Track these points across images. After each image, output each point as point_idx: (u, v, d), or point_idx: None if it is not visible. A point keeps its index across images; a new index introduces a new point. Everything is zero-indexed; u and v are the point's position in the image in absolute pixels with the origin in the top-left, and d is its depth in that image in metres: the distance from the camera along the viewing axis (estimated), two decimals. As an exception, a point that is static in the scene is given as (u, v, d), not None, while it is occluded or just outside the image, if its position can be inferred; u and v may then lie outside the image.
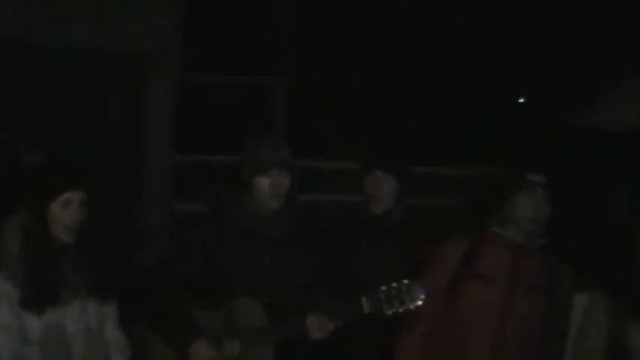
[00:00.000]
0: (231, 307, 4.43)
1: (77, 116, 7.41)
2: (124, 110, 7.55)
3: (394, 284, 4.20)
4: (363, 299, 4.22)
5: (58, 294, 4.06)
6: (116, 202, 7.06)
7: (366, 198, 5.10)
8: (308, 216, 4.73)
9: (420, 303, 4.19)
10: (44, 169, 4.22)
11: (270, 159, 4.45)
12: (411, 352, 4.44)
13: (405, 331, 4.42)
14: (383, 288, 4.20)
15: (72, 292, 4.10)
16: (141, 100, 7.56)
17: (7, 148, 7.19)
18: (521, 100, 8.65)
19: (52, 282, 4.04)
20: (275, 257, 4.49)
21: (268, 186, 4.45)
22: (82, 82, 7.47)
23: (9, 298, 4.01)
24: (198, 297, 4.48)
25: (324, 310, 4.27)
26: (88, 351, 4.12)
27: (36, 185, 4.09)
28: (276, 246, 4.50)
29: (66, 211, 4.05)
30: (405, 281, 4.20)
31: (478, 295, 4.34)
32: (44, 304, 4.03)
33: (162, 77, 7.62)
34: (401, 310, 4.19)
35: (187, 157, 8.04)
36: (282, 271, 4.47)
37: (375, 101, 8.18)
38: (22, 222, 4.09)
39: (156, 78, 7.60)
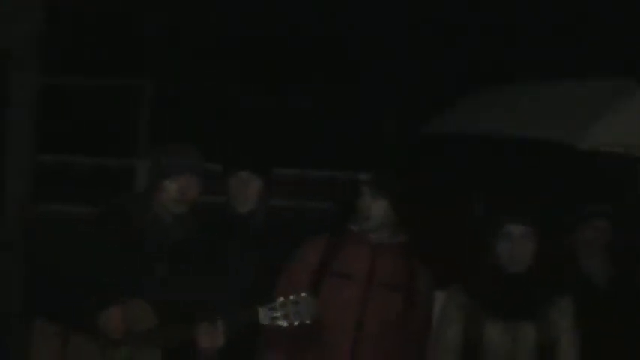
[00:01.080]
0: (122, 310, 4.33)
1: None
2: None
3: (291, 297, 4.18)
4: (260, 309, 4.19)
5: None
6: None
7: (230, 198, 5.12)
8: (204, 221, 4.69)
9: (314, 317, 4.18)
10: None
11: (181, 164, 4.44)
12: (276, 347, 4.51)
13: (269, 332, 4.46)
14: (281, 299, 4.18)
15: None
16: (3, 105, 7.44)
17: None
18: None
19: None
20: (172, 262, 4.45)
21: (176, 191, 4.44)
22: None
23: None
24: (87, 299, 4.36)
25: (217, 318, 4.20)
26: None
27: None
28: (173, 253, 4.46)
29: None
30: (303, 294, 4.19)
31: (337, 293, 4.42)
32: None
33: (23, 78, 7.50)
34: (296, 323, 4.17)
35: (51, 157, 7.95)
36: (178, 276, 4.43)
37: (242, 104, 8.23)
38: None
39: (17, 79, 7.48)
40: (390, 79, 8.62)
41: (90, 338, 4.32)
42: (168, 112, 8.33)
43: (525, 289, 4.39)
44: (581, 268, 5.30)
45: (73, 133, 8.15)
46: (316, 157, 8.35)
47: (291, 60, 8.46)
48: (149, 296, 4.32)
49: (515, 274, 4.38)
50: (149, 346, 4.29)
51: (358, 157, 7.44)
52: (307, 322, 4.18)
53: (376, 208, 4.47)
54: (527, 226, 4.40)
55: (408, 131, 7.94)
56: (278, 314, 4.18)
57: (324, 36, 8.64)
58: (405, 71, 8.61)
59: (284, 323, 4.17)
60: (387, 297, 4.43)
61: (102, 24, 8.31)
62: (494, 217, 4.50)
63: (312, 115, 8.42)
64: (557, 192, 6.28)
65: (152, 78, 8.41)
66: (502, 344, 4.35)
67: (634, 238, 5.77)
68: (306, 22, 8.44)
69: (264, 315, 4.19)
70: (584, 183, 6.33)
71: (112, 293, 4.30)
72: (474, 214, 6.15)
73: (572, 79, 7.48)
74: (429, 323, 4.56)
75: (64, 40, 7.90)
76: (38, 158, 7.72)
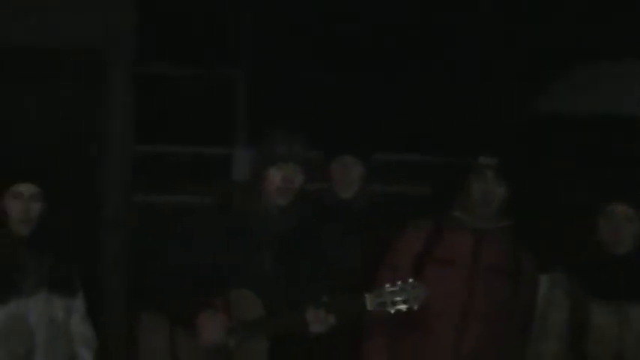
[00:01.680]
0: (226, 300, 4.30)
1: (36, 114, 7.38)
2: (83, 105, 7.51)
3: (399, 283, 4.10)
4: (367, 296, 4.12)
5: (18, 286, 4.06)
6: (77, 196, 7.04)
7: (332, 183, 5.11)
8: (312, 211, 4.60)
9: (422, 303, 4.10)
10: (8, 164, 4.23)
11: (284, 152, 4.34)
12: (378, 335, 4.48)
13: (371, 319, 4.40)
14: (388, 286, 4.10)
15: (34, 285, 4.10)
16: (99, 95, 7.52)
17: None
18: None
19: (10, 274, 4.05)
20: (278, 253, 4.39)
21: (280, 180, 4.34)
22: (39, 80, 7.43)
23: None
24: (193, 288, 4.33)
25: (325, 304, 4.15)
26: (51, 343, 4.13)
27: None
28: (281, 243, 4.40)
29: (18, 204, 4.07)
30: (410, 280, 4.11)
31: (440, 279, 4.35)
32: (5, 297, 4.04)
33: (119, 68, 7.58)
34: (404, 309, 4.09)
35: (147, 148, 8.02)
36: (284, 266, 4.38)
37: (335, 90, 8.19)
38: None
39: (113, 69, 7.56)
40: (488, 58, 8.49)
41: (196, 331, 4.28)
42: (264, 100, 8.34)
43: (632, 271, 4.29)
44: None
45: (169, 122, 8.19)
46: (415, 141, 8.30)
47: (387, 44, 8.39)
48: (256, 286, 4.28)
49: (620, 256, 4.30)
50: (256, 336, 4.25)
51: (459, 140, 7.37)
52: (415, 308, 4.10)
53: (499, 193, 4.40)
54: (632, 207, 4.31)
55: (514, 111, 7.87)
56: (385, 301, 4.11)
57: (415, 23, 8.56)
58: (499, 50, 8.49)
59: (391, 310, 4.10)
60: (491, 282, 4.37)
61: (196, 12, 8.34)
62: (598, 197, 4.41)
63: (410, 98, 8.35)
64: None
65: (248, 66, 8.43)
66: (609, 328, 4.27)
67: None
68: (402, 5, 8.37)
69: (371, 301, 4.12)
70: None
71: (218, 284, 4.28)
72: (578, 195, 6.06)
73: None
74: (533, 308, 4.48)
75: (159, 29, 7.95)
76: (135, 148, 7.80)
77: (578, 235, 4.47)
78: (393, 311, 4.10)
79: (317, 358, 4.47)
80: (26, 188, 4.09)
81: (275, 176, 4.32)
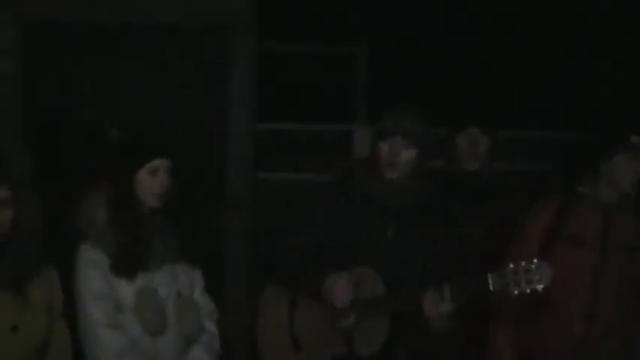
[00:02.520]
0: (349, 278, 4.28)
1: (159, 91, 7.46)
2: (206, 83, 7.57)
3: (523, 263, 4.01)
4: (490, 276, 4.05)
5: (148, 259, 4.09)
6: (199, 172, 7.12)
7: (456, 157, 5.05)
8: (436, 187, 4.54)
9: (547, 284, 4.00)
10: (132, 139, 4.26)
11: (391, 126, 4.34)
12: (505, 315, 4.41)
13: (497, 301, 4.35)
14: (511, 266, 4.01)
15: (161, 258, 4.13)
16: (222, 72, 7.57)
17: (93, 127, 7.27)
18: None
19: (141, 247, 4.08)
20: (400, 229, 4.37)
21: (386, 154, 4.34)
22: (163, 57, 7.50)
23: (100, 266, 4.06)
24: (316, 265, 4.38)
25: (445, 285, 4.10)
26: (182, 315, 4.15)
27: (125, 154, 4.14)
28: (400, 217, 4.38)
29: (153, 179, 4.10)
30: (535, 260, 4.01)
31: (570, 258, 4.27)
32: (135, 270, 4.07)
33: (241, 46, 7.62)
34: (528, 290, 3.99)
35: (268, 125, 8.04)
36: (406, 243, 4.35)
37: (457, 64, 8.09)
38: (107, 193, 4.13)
39: (236, 47, 7.60)
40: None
41: (317, 305, 4.31)
42: (384, 77, 8.28)
43: None
44: None
45: (289, 100, 8.20)
46: (538, 116, 8.15)
47: (512, 15, 8.23)
48: (377, 262, 4.27)
49: None
50: (376, 314, 4.24)
51: (582, 116, 7.23)
52: (539, 289, 4.00)
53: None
54: None
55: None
56: (509, 281, 4.02)
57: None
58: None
59: (515, 291, 4.01)
60: (623, 260, 4.26)
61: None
62: None
63: (533, 74, 8.20)
64: None
65: (367, 43, 8.39)
66: None
67: None
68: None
69: (494, 282, 4.04)
70: None
71: (339, 260, 4.28)
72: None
73: None
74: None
75: (281, 6, 7.95)
76: (256, 126, 7.83)
77: None
78: (516, 292, 4.01)
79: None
80: (162, 163, 4.11)
81: (383, 150, 4.33)
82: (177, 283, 4.18)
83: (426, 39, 8.11)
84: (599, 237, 4.27)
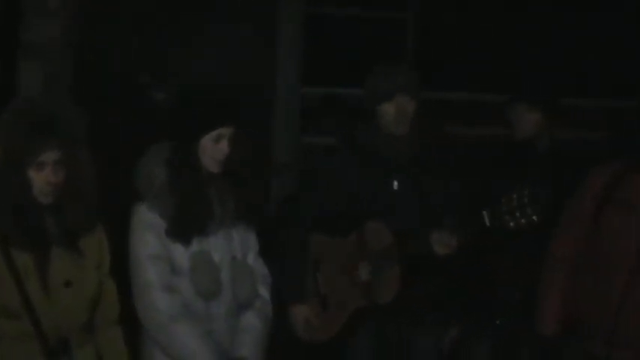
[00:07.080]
0: (361, 233, 4.54)
1: (209, 55, 7.46)
2: (254, 46, 7.57)
3: (514, 195, 4.12)
4: (483, 212, 4.18)
5: (205, 224, 4.07)
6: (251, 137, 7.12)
7: (512, 127, 5.09)
8: (438, 140, 4.69)
9: (541, 216, 4.10)
10: (198, 105, 4.17)
11: (392, 85, 4.47)
12: (556, 271, 4.41)
13: (550, 259, 4.39)
14: (503, 200, 4.13)
15: (218, 223, 4.11)
16: (271, 36, 7.57)
17: (145, 90, 7.29)
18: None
19: (200, 212, 4.06)
20: (405, 181, 4.55)
21: (394, 113, 4.48)
22: (212, 21, 7.50)
23: (156, 228, 4.04)
24: (329, 226, 4.64)
25: (445, 225, 4.28)
26: (236, 280, 4.14)
27: (189, 118, 4.09)
28: (405, 170, 4.55)
29: (217, 146, 4.06)
30: (526, 191, 4.12)
31: (618, 221, 4.23)
32: (191, 234, 4.05)
33: (289, 12, 7.60)
34: (523, 221, 4.12)
35: (315, 90, 8.04)
36: (412, 194, 4.54)
37: (509, 32, 8.05)
38: (166, 153, 4.10)
39: (283, 13, 7.58)
40: None
41: (337, 265, 4.64)
42: (433, 42, 8.25)
43: None
44: None
45: (336, 65, 8.18)
46: (590, 85, 8.11)
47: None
48: (385, 215, 4.47)
49: None
50: (387, 264, 4.42)
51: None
52: (535, 219, 4.10)
53: None
54: None
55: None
56: (503, 214, 4.13)
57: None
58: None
59: (511, 223, 4.12)
60: None
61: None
62: None
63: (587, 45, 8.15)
64: None
65: (415, 9, 8.35)
66: None
67: None
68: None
69: (489, 216, 4.17)
70: None
71: (357, 217, 4.52)
72: None
73: None
74: None
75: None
76: (302, 91, 7.83)
77: None
78: (512, 224, 4.12)
79: None
80: (226, 131, 4.08)
81: (389, 110, 4.50)
82: (232, 247, 4.17)
83: (473, 8, 8.06)
84: None
